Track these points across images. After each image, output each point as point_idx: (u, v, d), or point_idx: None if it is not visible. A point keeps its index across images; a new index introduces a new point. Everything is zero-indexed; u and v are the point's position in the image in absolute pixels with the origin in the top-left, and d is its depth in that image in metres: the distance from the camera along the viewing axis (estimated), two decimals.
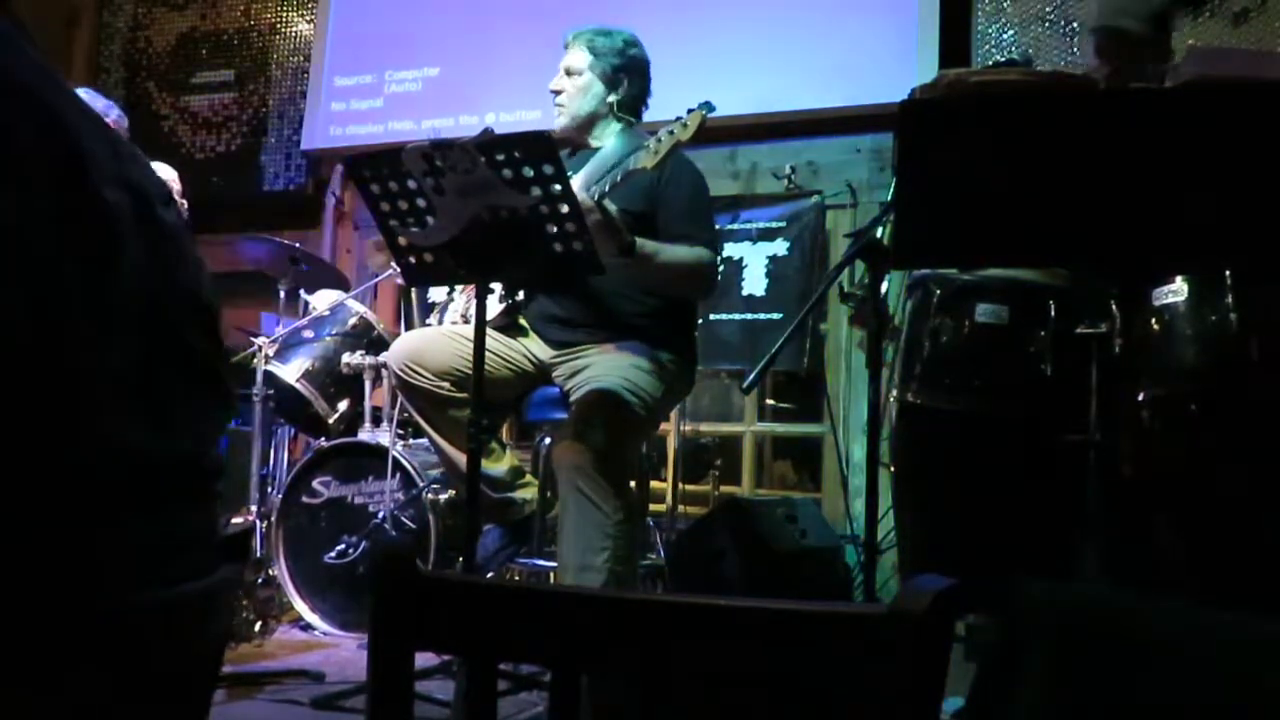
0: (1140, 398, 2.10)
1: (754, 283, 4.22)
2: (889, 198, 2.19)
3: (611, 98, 2.76)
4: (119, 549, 0.63)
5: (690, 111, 2.30)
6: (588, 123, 2.78)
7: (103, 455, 0.61)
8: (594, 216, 2.24)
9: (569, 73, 2.78)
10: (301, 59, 5.37)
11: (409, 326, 3.72)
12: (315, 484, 3.49)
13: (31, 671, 0.59)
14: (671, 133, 2.30)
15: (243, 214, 5.12)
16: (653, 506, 3.52)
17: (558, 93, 2.79)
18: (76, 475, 0.60)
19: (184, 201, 3.82)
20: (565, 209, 2.10)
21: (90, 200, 0.61)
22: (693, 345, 2.80)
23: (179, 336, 0.69)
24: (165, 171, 3.76)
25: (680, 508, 3.87)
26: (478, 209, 2.12)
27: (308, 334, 3.71)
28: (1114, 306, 2.16)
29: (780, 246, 4.22)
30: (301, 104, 5.28)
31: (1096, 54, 2.71)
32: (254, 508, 3.58)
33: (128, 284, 0.63)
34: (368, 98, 5.12)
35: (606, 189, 2.38)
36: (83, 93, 3.67)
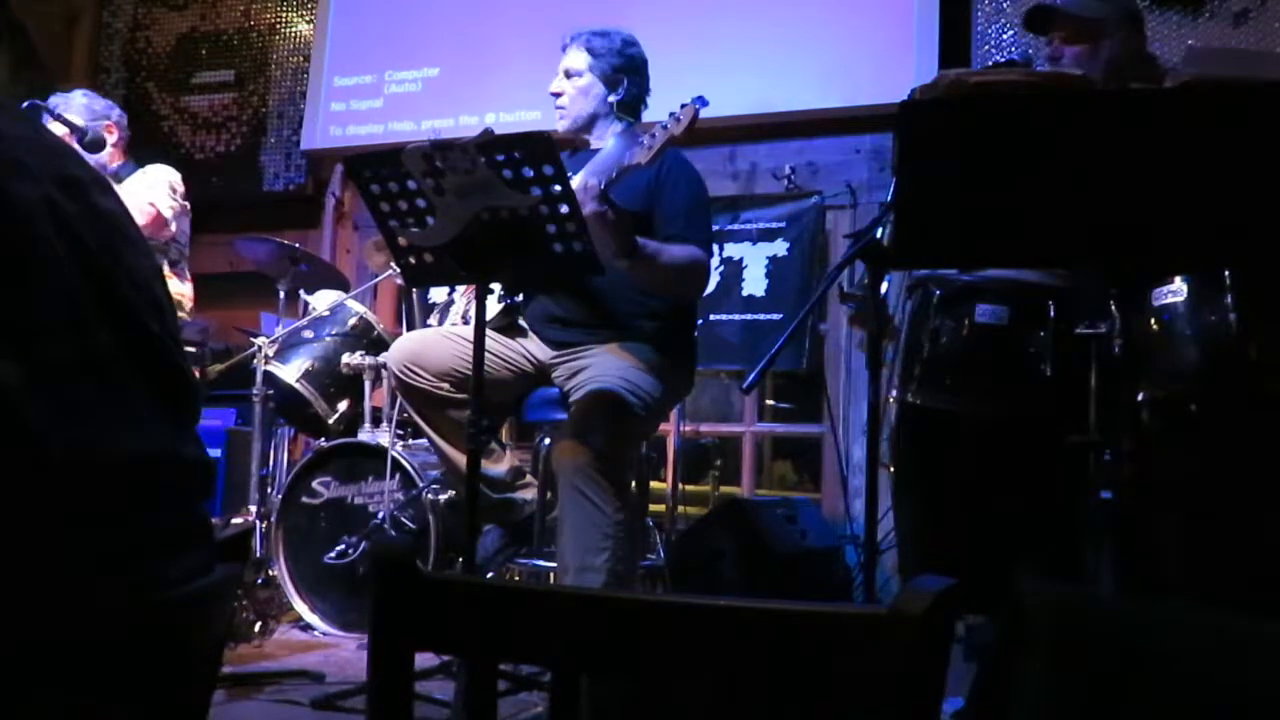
0: (1140, 398, 2.10)
1: (754, 283, 4.22)
2: (889, 198, 2.18)
3: (612, 98, 2.77)
4: (108, 549, 0.63)
5: (683, 106, 2.30)
6: (588, 124, 2.78)
7: (74, 455, 0.61)
8: (596, 207, 2.24)
9: (568, 75, 2.78)
10: (301, 59, 5.37)
11: (409, 327, 3.73)
12: (315, 484, 3.49)
13: (31, 674, 0.59)
14: (665, 128, 2.30)
15: (243, 214, 5.12)
16: (653, 506, 3.52)
17: (558, 95, 2.79)
18: (43, 478, 0.59)
19: (186, 204, 3.80)
20: (565, 209, 2.10)
21: None
22: (693, 345, 2.80)
23: (139, 323, 0.68)
24: (167, 173, 3.74)
25: (680, 508, 3.87)
26: (478, 209, 2.12)
27: (308, 334, 3.71)
28: (1114, 306, 2.16)
29: (780, 247, 4.22)
30: (301, 104, 5.28)
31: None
32: (254, 508, 3.58)
33: (48, 275, 0.62)
34: (368, 98, 5.12)
35: (603, 184, 2.37)
36: (80, 95, 3.63)
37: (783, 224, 4.24)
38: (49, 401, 0.60)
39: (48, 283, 0.62)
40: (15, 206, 0.61)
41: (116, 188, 3.81)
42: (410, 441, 3.57)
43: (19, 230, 0.61)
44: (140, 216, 3.51)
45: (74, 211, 0.65)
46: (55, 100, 3.59)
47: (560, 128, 2.79)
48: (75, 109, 3.57)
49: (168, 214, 3.67)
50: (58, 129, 3.34)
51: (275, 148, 5.34)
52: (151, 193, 3.64)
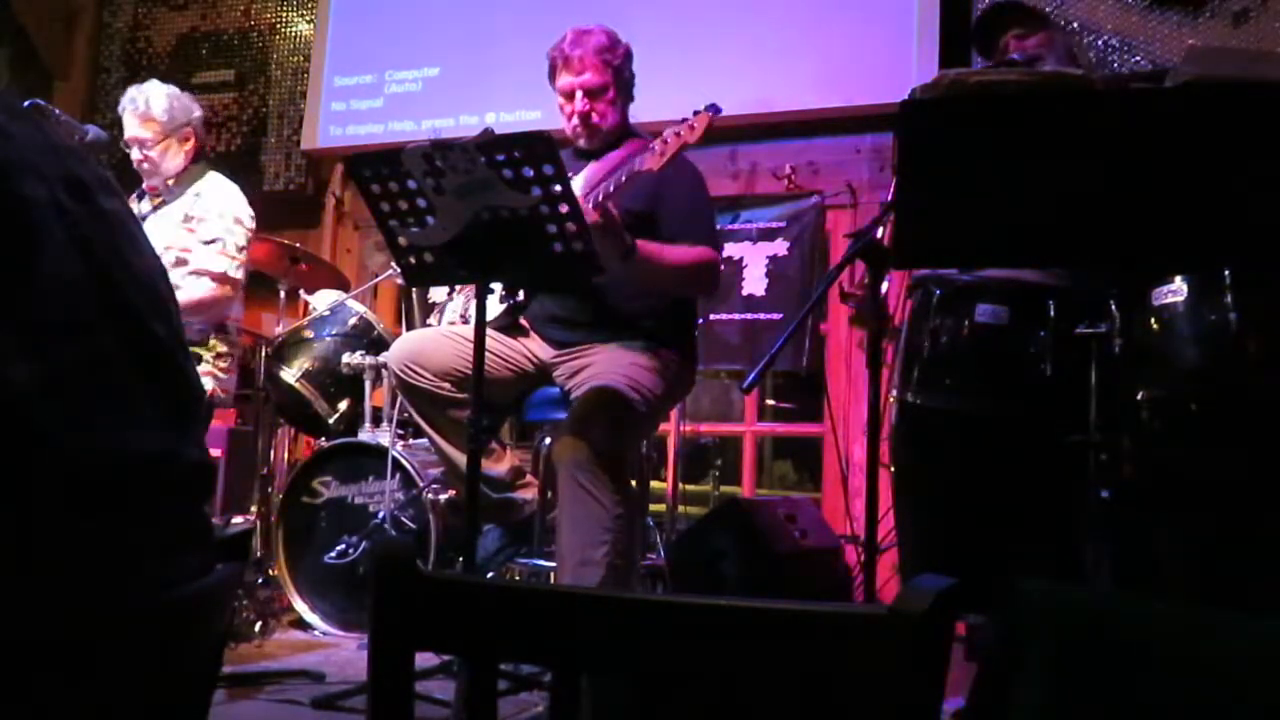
0: (1140, 398, 2.10)
1: (754, 283, 4.22)
2: (889, 198, 2.19)
3: (628, 103, 2.77)
4: (109, 550, 0.63)
5: (696, 113, 2.29)
6: (616, 134, 2.75)
7: (77, 455, 0.61)
8: (595, 220, 2.24)
9: (591, 93, 2.70)
10: (301, 59, 5.37)
11: (409, 326, 3.72)
12: (315, 484, 3.49)
13: (30, 674, 0.59)
14: (678, 134, 2.30)
15: None
16: (653, 506, 3.52)
17: (586, 115, 2.71)
18: (47, 478, 0.59)
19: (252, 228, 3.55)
20: (565, 209, 2.10)
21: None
22: (693, 344, 2.80)
23: (143, 325, 0.68)
24: (236, 204, 3.44)
25: (680, 508, 3.87)
26: (478, 209, 2.12)
27: (308, 334, 3.71)
28: (1114, 306, 2.16)
29: (780, 246, 4.22)
30: (301, 104, 5.28)
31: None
32: (254, 508, 3.58)
33: (55, 276, 0.62)
34: (368, 98, 5.12)
35: (611, 189, 2.37)
36: (162, 90, 3.39)
37: (783, 224, 4.24)
38: (53, 401, 0.60)
39: (55, 283, 0.62)
40: (26, 208, 0.61)
41: (175, 203, 3.48)
42: (410, 441, 3.57)
43: (29, 231, 0.61)
44: (202, 286, 3.20)
45: (80, 212, 0.65)
46: (134, 89, 3.42)
47: (583, 144, 2.76)
48: (156, 105, 3.38)
49: (237, 276, 3.30)
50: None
51: (275, 147, 5.34)
52: (223, 255, 3.25)
